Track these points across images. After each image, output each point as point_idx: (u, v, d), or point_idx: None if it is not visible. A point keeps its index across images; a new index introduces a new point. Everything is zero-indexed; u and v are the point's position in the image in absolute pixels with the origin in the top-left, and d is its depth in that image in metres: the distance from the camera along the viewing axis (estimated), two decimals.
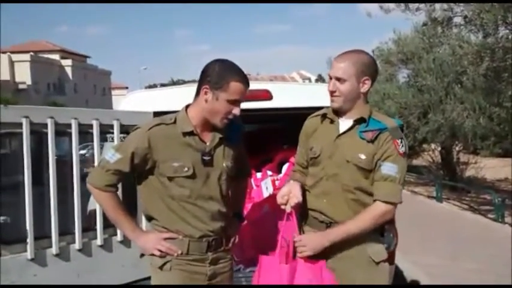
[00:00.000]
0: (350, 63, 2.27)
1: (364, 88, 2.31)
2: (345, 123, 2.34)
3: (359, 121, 2.31)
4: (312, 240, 2.28)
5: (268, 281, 2.26)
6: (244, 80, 2.25)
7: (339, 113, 2.36)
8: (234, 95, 2.21)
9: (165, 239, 2.27)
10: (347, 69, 2.27)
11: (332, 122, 2.38)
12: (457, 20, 8.38)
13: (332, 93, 2.31)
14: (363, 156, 2.25)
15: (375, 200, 2.27)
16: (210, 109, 2.24)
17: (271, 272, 2.27)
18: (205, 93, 2.23)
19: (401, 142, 2.27)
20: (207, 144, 2.30)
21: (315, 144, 2.39)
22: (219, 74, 2.21)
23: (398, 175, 2.25)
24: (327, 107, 2.42)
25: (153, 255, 2.29)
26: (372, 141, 2.26)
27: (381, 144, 2.26)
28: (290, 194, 2.31)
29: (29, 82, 48.66)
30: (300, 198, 2.30)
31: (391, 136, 2.26)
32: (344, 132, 2.32)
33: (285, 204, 2.31)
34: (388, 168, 2.24)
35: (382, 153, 2.25)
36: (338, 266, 2.30)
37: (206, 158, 2.28)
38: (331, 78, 2.32)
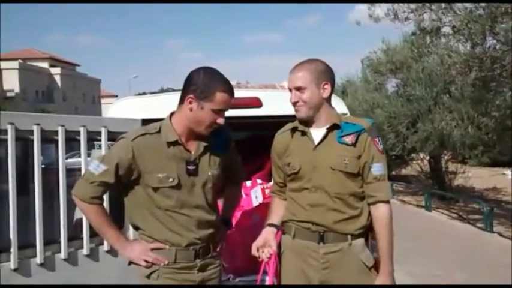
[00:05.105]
0: (306, 71, 2.32)
1: (326, 93, 2.34)
2: (318, 133, 2.35)
3: (332, 128, 2.32)
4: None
5: None
6: (230, 89, 2.25)
7: (308, 123, 2.36)
8: (219, 105, 2.21)
9: (152, 249, 2.25)
10: (304, 78, 2.31)
11: (304, 133, 2.37)
12: (446, 29, 8.45)
13: (295, 104, 2.32)
14: (347, 161, 2.27)
15: (374, 202, 2.29)
16: (195, 118, 2.23)
17: None
18: (190, 102, 2.22)
19: (378, 140, 2.34)
20: (192, 153, 2.29)
21: (292, 160, 2.37)
22: (205, 83, 2.21)
23: (386, 172, 2.33)
24: (294, 120, 2.43)
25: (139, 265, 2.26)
26: (353, 144, 2.29)
27: (363, 145, 2.29)
28: (266, 244, 2.34)
29: (17, 90, 48.39)
30: (274, 248, 2.33)
31: (370, 137, 2.31)
32: (321, 142, 2.32)
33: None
34: (378, 169, 2.30)
35: (367, 155, 2.29)
36: (333, 276, 2.29)
37: (191, 167, 2.26)
38: (291, 91, 2.34)
